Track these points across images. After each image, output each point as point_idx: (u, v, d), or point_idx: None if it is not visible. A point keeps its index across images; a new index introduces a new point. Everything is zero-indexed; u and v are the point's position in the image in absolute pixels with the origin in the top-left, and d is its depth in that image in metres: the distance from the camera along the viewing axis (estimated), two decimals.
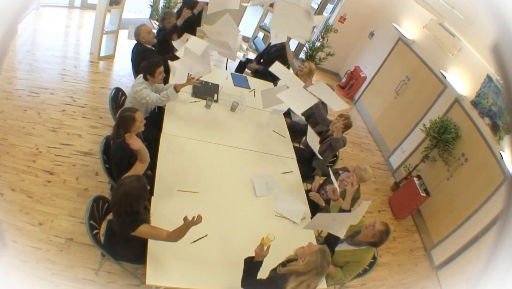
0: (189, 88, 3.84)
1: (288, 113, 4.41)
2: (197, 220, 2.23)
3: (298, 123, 4.27)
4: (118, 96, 3.53)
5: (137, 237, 2.32)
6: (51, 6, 5.89)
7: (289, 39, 4.39)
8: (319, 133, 3.79)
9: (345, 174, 3.32)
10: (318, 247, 2.07)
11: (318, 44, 6.30)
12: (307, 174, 3.78)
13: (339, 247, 2.81)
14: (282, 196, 3.17)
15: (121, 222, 2.25)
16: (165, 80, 3.75)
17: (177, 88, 3.25)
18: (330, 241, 2.56)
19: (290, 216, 3.05)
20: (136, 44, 3.95)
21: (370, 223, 2.71)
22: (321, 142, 3.82)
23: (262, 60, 5.31)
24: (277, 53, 5.08)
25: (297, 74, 4.62)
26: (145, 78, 3.27)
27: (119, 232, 2.31)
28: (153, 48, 4.06)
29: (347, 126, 3.68)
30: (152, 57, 3.57)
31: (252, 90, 4.53)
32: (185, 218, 2.20)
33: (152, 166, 2.94)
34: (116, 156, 2.74)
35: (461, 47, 4.91)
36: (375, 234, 2.63)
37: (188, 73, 3.24)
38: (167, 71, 3.63)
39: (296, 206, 3.16)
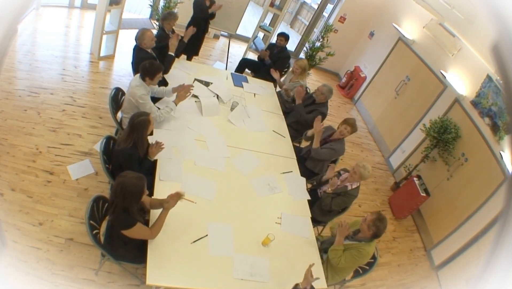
0: None
1: (288, 113, 4.42)
2: (174, 197, 2.39)
3: (302, 117, 4.25)
4: (118, 96, 3.52)
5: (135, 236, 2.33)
6: (51, 6, 5.89)
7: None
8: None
9: (346, 174, 3.35)
10: None
11: (318, 44, 6.29)
12: (306, 174, 3.78)
13: None
14: (288, 216, 3.11)
15: (115, 217, 2.26)
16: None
17: (176, 103, 3.44)
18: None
19: (298, 234, 3.01)
20: (136, 47, 3.74)
21: (363, 217, 2.75)
22: (321, 145, 3.84)
23: (265, 61, 5.31)
24: (278, 54, 5.12)
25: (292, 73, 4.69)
26: (143, 79, 3.20)
27: (113, 228, 2.32)
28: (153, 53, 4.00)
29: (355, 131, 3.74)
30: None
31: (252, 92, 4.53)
32: (164, 201, 2.38)
33: (152, 167, 2.95)
34: (126, 161, 2.72)
35: (461, 47, 4.91)
36: (369, 225, 2.65)
37: (183, 84, 3.47)
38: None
39: (302, 223, 3.11)
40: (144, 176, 2.30)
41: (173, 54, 3.94)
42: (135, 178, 2.23)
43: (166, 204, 2.39)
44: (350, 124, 3.66)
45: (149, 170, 2.91)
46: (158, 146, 2.86)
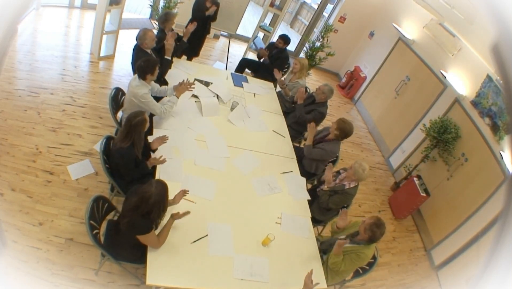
0: None
1: (288, 113, 4.42)
2: (183, 214, 2.47)
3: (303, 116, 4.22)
4: (118, 96, 3.52)
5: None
6: (51, 6, 5.89)
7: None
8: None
9: (345, 173, 3.35)
10: None
11: (318, 44, 6.29)
12: (306, 174, 3.78)
13: None
14: (288, 216, 3.11)
15: (132, 221, 2.26)
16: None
17: (177, 96, 3.45)
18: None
19: (298, 234, 3.01)
20: (137, 47, 3.69)
21: (363, 220, 2.75)
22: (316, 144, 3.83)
23: (262, 60, 5.32)
24: (278, 54, 5.11)
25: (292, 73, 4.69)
26: (143, 78, 3.18)
27: (127, 229, 2.30)
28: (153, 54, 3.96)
29: (345, 134, 3.63)
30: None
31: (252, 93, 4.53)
32: (174, 215, 2.45)
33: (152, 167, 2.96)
34: (122, 161, 2.74)
35: (461, 47, 4.91)
36: (366, 228, 2.64)
37: (183, 81, 3.48)
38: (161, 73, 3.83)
39: (302, 223, 3.11)
40: (160, 180, 2.36)
41: (169, 58, 3.92)
42: (159, 186, 2.27)
43: (175, 215, 2.47)
44: (339, 128, 3.56)
45: (147, 171, 2.92)
46: (162, 139, 2.99)
